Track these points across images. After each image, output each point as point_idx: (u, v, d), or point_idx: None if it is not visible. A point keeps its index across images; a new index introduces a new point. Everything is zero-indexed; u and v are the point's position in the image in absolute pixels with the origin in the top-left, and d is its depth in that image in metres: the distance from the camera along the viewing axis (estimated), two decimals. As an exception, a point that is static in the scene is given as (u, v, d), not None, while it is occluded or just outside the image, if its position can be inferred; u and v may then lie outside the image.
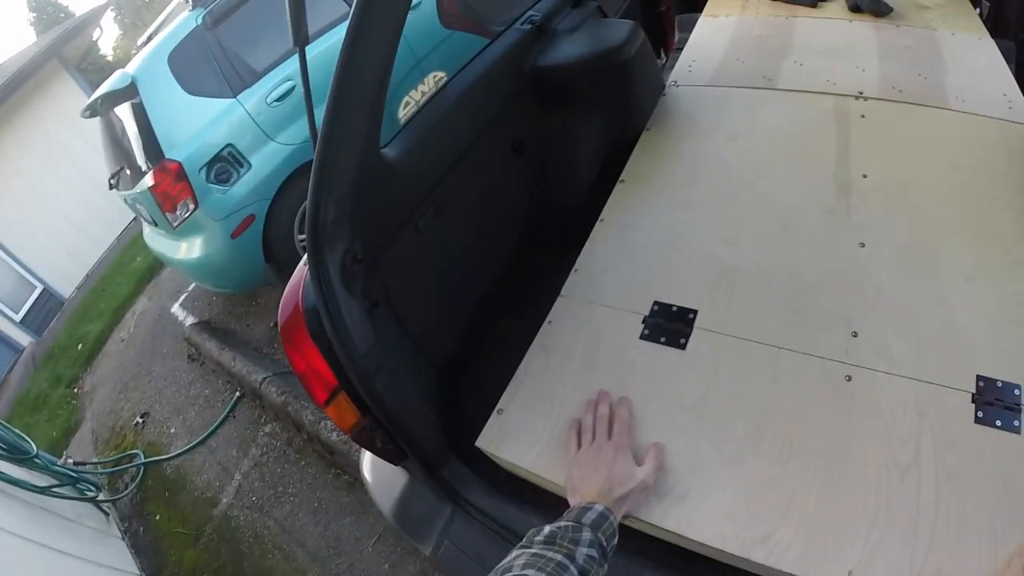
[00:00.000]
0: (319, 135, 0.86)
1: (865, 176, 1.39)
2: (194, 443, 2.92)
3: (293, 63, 3.03)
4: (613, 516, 0.86)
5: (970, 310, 1.14)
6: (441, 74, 1.20)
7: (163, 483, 2.92)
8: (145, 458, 3.04)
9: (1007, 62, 1.79)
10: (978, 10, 2.16)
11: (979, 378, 1.04)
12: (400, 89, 2.99)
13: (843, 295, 1.18)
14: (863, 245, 1.25)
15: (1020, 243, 1.23)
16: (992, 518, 0.90)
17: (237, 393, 2.99)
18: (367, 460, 1.38)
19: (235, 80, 2.99)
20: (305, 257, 0.97)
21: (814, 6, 2.11)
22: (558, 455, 1.02)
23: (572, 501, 0.91)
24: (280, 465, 2.61)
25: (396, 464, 1.20)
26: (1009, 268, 1.19)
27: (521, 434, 1.05)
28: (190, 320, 3.67)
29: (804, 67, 1.76)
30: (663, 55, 2.56)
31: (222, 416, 2.95)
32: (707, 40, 2.00)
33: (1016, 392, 1.01)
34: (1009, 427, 0.98)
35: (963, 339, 1.10)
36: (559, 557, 0.74)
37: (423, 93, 1.07)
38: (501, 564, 0.74)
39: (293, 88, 3.00)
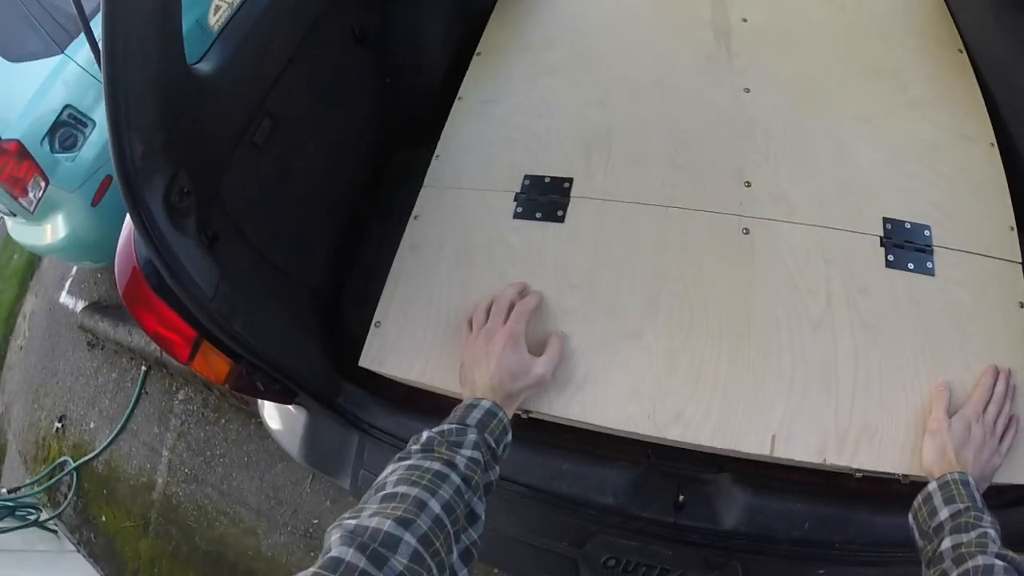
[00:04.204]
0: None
1: (745, 20, 1.30)
2: (115, 432, 2.77)
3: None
4: (502, 412, 0.79)
5: (869, 151, 1.08)
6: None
7: (98, 482, 2.78)
8: (74, 462, 2.88)
9: None
10: None
11: (886, 220, 0.99)
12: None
13: (731, 144, 1.10)
14: (748, 90, 1.17)
15: (916, 81, 1.18)
16: (915, 365, 0.87)
17: (143, 368, 2.82)
18: (264, 407, 1.28)
19: (59, 33, 2.58)
20: None
21: None
22: (446, 360, 0.94)
23: (464, 394, 0.85)
24: (202, 429, 2.50)
25: (289, 403, 1.11)
26: (907, 106, 1.14)
27: (403, 345, 0.98)
28: (80, 306, 3.36)
29: None
30: None
31: (135, 396, 2.81)
32: None
33: (927, 233, 0.98)
34: (923, 270, 0.95)
35: (864, 181, 1.05)
36: (437, 466, 0.67)
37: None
38: (376, 482, 0.66)
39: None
